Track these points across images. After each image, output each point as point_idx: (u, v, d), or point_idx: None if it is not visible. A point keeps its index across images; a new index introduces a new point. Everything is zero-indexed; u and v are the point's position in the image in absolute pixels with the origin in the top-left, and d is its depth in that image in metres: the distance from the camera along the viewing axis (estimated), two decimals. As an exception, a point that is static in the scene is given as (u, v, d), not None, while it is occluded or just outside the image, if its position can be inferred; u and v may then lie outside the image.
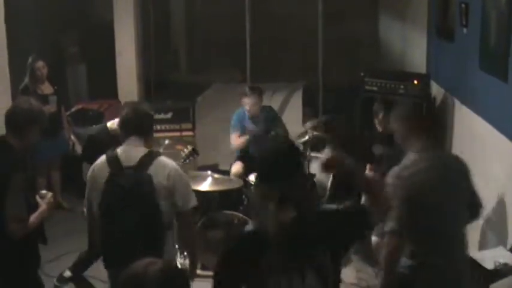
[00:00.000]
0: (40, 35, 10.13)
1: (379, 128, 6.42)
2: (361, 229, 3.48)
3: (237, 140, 7.68)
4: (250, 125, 7.63)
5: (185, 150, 6.52)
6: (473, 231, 6.09)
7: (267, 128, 7.61)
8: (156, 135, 7.80)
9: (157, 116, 8.53)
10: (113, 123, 6.05)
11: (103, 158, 4.39)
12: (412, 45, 9.04)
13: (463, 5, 6.55)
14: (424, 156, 4.21)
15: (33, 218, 4.44)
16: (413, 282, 4.12)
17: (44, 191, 4.71)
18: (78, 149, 8.05)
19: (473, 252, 5.50)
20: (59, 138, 8.22)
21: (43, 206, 4.56)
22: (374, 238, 6.04)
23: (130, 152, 4.33)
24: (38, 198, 4.61)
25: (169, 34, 12.52)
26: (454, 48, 7.07)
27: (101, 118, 8.56)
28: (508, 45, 5.24)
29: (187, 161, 6.44)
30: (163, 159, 4.35)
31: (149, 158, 4.27)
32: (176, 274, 2.74)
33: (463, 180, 4.37)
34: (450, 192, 4.25)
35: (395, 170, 4.19)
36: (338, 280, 3.30)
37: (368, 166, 6.61)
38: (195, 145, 8.44)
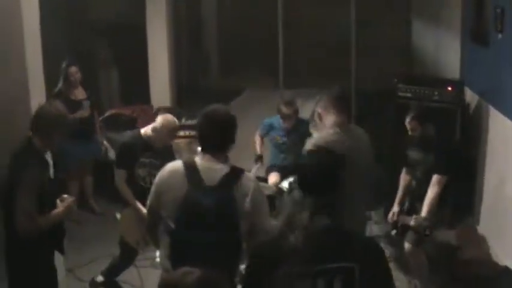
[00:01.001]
0: (73, 40, 10.22)
1: (410, 132, 6.36)
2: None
3: (255, 138, 7.79)
4: (279, 135, 7.62)
5: None
6: (505, 240, 6.03)
7: (299, 141, 7.60)
8: (188, 141, 7.90)
9: (189, 122, 8.55)
10: (146, 130, 6.07)
11: (179, 167, 3.99)
12: (445, 51, 8.97)
13: (499, 10, 6.48)
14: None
15: (45, 217, 4.45)
16: None
17: (66, 195, 4.72)
18: (111, 154, 8.09)
19: (510, 260, 5.43)
20: (91, 143, 8.27)
21: (60, 208, 4.57)
22: (407, 245, 5.99)
23: (210, 167, 3.94)
24: (58, 201, 4.62)
25: (202, 39, 12.56)
26: (489, 54, 6.99)
27: (134, 123, 8.59)
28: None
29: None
30: (246, 178, 3.98)
31: (232, 177, 3.92)
32: (214, 283, 2.73)
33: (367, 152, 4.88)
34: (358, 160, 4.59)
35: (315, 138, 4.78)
36: None
37: (404, 170, 6.56)
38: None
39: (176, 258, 3.96)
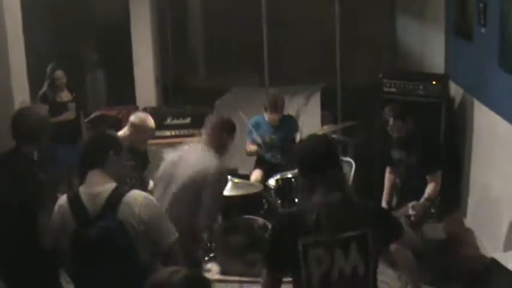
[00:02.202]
0: (58, 42, 10.19)
1: (392, 133, 6.37)
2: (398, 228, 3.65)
3: (249, 147, 7.72)
4: (266, 133, 7.63)
5: None
6: (497, 233, 6.05)
7: (285, 137, 7.63)
8: (174, 140, 7.89)
9: (175, 121, 8.56)
10: (125, 131, 6.07)
11: (63, 202, 3.81)
12: (430, 46, 8.99)
13: (481, 4, 6.50)
14: None
15: None
16: None
17: None
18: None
19: (497, 253, 5.46)
20: (78, 145, 8.25)
21: None
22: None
23: (93, 192, 3.71)
24: None
25: (187, 39, 12.52)
26: (473, 48, 7.02)
27: (119, 124, 8.57)
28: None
29: None
30: (131, 194, 3.71)
31: (117, 197, 3.66)
32: (201, 281, 2.74)
33: None
34: None
35: None
36: (377, 260, 3.40)
37: (388, 169, 6.59)
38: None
39: None
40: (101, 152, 3.82)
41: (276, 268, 3.36)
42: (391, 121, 6.24)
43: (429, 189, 6.17)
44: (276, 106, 7.52)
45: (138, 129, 6.09)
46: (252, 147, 7.69)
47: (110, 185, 3.72)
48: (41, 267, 4.43)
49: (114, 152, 3.84)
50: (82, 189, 3.76)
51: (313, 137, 3.70)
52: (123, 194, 3.68)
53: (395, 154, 6.39)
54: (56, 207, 3.84)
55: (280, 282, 3.37)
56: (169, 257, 3.73)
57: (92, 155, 3.85)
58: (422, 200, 6.13)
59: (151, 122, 6.14)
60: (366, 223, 3.26)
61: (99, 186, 3.72)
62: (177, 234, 3.80)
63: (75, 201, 3.74)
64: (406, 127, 6.19)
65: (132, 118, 6.10)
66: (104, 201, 3.65)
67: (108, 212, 3.62)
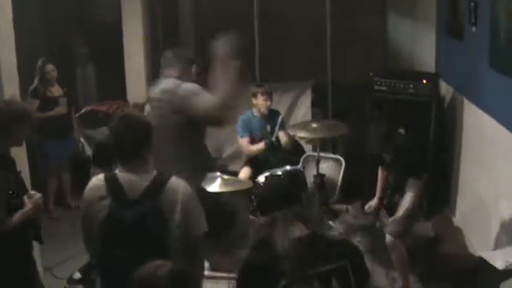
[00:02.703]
0: (49, 37, 10.16)
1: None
2: None
3: (248, 146, 7.70)
4: (257, 128, 7.64)
5: None
6: (486, 232, 6.08)
7: (273, 132, 7.65)
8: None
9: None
10: None
11: (100, 181, 3.78)
12: (421, 44, 9.01)
13: (472, 4, 6.52)
14: None
15: (15, 217, 4.41)
16: None
17: (32, 192, 4.66)
18: (87, 150, 8.08)
19: (485, 251, 5.49)
20: (69, 140, 8.25)
21: (28, 205, 4.52)
22: (388, 237, 6.00)
23: (133, 179, 3.71)
24: (25, 198, 4.56)
25: (178, 34, 12.51)
26: (464, 47, 7.04)
27: (110, 120, 8.55)
28: (518, 44, 5.23)
29: None
30: (173, 183, 3.73)
31: (157, 185, 3.68)
32: (186, 276, 2.74)
33: None
34: None
35: None
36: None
37: (380, 167, 6.59)
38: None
39: (105, 278, 3.79)
40: (139, 140, 3.76)
41: None
42: (383, 130, 6.23)
43: (406, 201, 6.05)
44: (265, 89, 7.54)
45: None
46: (254, 148, 7.69)
47: (151, 173, 3.73)
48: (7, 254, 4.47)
49: (148, 147, 3.80)
50: (120, 173, 3.73)
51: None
52: (166, 180, 3.69)
53: (387, 157, 6.39)
54: (90, 184, 3.81)
55: None
56: (195, 249, 3.75)
57: (130, 143, 3.76)
58: (400, 213, 6.06)
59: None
60: (338, 257, 3.23)
61: (140, 172, 3.71)
62: (206, 227, 3.81)
63: (112, 182, 3.70)
64: (397, 139, 6.17)
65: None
66: (144, 186, 3.65)
67: (147, 197, 3.61)
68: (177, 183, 3.73)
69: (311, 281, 3.11)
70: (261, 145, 7.63)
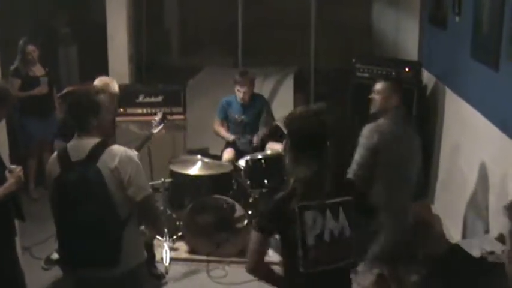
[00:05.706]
0: (31, 17, 10.09)
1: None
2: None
3: (217, 127, 7.74)
4: (237, 113, 7.64)
5: (156, 118, 6.47)
6: (463, 219, 6.13)
7: (256, 116, 7.65)
8: (146, 118, 7.87)
9: (148, 99, 8.51)
10: None
11: (55, 154, 4.14)
12: (404, 32, 9.03)
13: (456, -7, 6.55)
14: (394, 123, 5.51)
15: None
16: None
17: (13, 166, 4.64)
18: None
19: (460, 239, 5.54)
20: (51, 120, 8.21)
21: (10, 180, 4.52)
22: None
23: (79, 145, 4.02)
24: (6, 173, 4.55)
25: (162, 17, 12.48)
26: (447, 36, 7.07)
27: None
28: (500, 34, 5.25)
29: (160, 127, 6.37)
30: (114, 148, 4.02)
31: (99, 149, 3.97)
32: None
33: (418, 153, 5.61)
34: (409, 157, 5.52)
35: (371, 125, 5.46)
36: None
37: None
38: (185, 129, 8.47)
39: (60, 242, 4.17)
40: (82, 117, 4.05)
41: (267, 230, 3.60)
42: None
43: None
44: (245, 78, 7.51)
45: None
46: (220, 130, 7.71)
47: (95, 139, 4.02)
48: None
49: (93, 115, 4.06)
50: (69, 144, 4.08)
51: (305, 115, 3.74)
52: (105, 146, 3.99)
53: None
54: (50, 159, 4.15)
55: (267, 242, 3.64)
56: (144, 210, 4.07)
57: (75, 121, 4.08)
58: None
59: (115, 86, 6.03)
60: (349, 192, 3.66)
61: (85, 140, 4.02)
62: (150, 191, 4.13)
63: (62, 152, 4.06)
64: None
65: (96, 82, 6.03)
66: (87, 151, 3.95)
67: (89, 159, 3.92)
68: (118, 148, 4.04)
69: (322, 207, 3.51)
70: (229, 136, 7.66)
